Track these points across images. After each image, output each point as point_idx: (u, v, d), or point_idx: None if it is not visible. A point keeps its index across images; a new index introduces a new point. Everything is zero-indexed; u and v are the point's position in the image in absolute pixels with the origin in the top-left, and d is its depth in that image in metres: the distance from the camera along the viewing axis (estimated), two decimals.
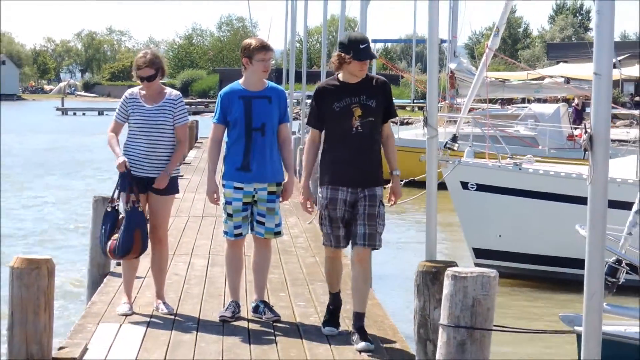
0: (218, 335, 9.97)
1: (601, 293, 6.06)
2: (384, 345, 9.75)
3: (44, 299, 8.59)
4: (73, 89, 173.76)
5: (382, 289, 14.26)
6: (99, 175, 42.28)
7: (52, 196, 37.24)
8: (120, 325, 10.33)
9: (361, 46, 8.96)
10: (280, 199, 10.40)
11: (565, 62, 72.16)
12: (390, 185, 9.40)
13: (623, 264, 9.45)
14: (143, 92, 10.51)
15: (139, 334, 10.00)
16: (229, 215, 10.20)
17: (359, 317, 9.44)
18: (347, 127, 9.05)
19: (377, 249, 9.50)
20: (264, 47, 10.04)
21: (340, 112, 9.06)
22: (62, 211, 32.82)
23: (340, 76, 9.23)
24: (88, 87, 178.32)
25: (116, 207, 10.42)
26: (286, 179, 10.37)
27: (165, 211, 10.79)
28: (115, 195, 10.41)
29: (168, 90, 10.72)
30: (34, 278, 8.53)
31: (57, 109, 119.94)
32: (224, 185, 10.23)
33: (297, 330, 10.18)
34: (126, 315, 10.60)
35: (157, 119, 10.41)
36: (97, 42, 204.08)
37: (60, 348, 9.22)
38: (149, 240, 10.79)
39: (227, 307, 10.49)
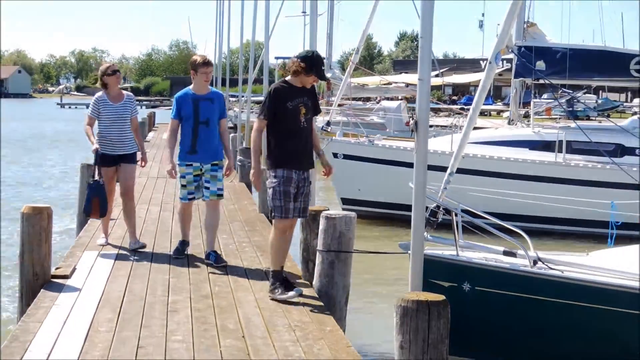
0: (166, 260, 9.94)
1: (422, 227, 6.15)
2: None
3: (45, 235, 8.56)
4: (69, 90, 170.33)
5: None
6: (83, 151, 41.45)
7: (55, 163, 36.71)
8: (99, 252, 10.25)
9: (322, 67, 8.57)
10: (226, 173, 9.96)
11: (406, 73, 72.45)
12: (321, 161, 8.98)
13: (441, 208, 9.57)
14: (107, 94, 10.23)
15: (112, 257, 9.96)
16: (183, 186, 9.89)
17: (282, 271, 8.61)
18: (297, 123, 8.39)
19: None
20: (206, 63, 9.77)
21: (292, 110, 8.36)
22: (60, 174, 32.34)
23: (289, 79, 8.46)
24: (79, 88, 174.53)
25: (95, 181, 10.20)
26: (226, 161, 10.02)
27: (132, 175, 10.56)
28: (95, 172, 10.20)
29: (124, 92, 10.50)
30: (38, 220, 8.51)
31: (58, 104, 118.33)
32: (178, 164, 9.91)
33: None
34: (103, 245, 10.53)
35: (122, 113, 10.23)
36: (85, 57, 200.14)
37: (57, 268, 9.17)
38: (121, 195, 10.63)
39: (178, 246, 10.18)
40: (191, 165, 9.74)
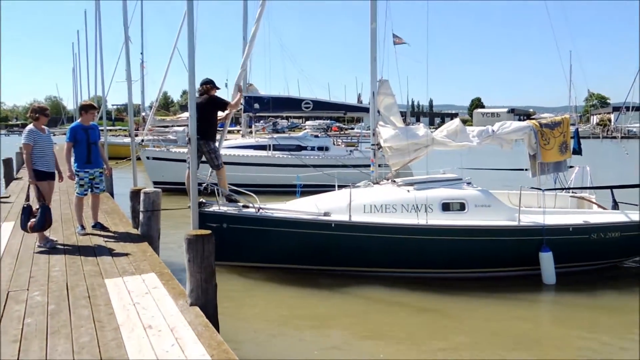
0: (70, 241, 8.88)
1: (196, 195, 5.91)
2: (117, 222, 9.11)
3: None
4: None
5: (117, 200, 13.17)
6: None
7: None
8: (2, 222, 8.97)
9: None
10: (107, 173, 8.59)
11: (187, 112, 70.13)
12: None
13: (209, 184, 9.21)
14: (36, 127, 7.73)
15: (11, 225, 8.67)
16: (81, 185, 8.25)
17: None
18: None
19: None
20: (92, 107, 8.32)
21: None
22: None
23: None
24: None
25: (29, 204, 7.59)
26: (105, 166, 8.55)
27: (53, 187, 7.94)
28: (31, 198, 7.65)
29: (44, 127, 7.92)
30: None
31: None
32: (77, 171, 8.19)
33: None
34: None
35: (49, 141, 7.84)
36: None
37: None
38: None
39: (80, 229, 8.25)
40: (88, 171, 8.24)
